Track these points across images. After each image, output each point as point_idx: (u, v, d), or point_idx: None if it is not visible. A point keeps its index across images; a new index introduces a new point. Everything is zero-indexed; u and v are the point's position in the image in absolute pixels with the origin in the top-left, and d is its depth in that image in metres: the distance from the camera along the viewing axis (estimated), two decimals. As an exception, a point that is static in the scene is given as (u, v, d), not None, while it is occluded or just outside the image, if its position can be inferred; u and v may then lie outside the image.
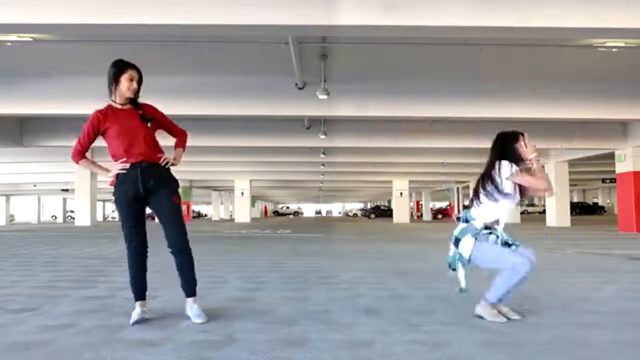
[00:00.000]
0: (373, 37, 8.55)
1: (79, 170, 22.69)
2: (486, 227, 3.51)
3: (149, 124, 3.43)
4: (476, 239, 3.47)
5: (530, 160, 3.48)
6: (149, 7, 6.57)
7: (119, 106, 3.43)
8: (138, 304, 3.49)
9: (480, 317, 3.47)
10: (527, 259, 3.36)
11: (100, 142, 3.52)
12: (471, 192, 3.78)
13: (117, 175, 3.41)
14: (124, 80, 3.38)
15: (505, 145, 3.55)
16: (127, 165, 3.36)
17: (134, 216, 3.43)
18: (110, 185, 3.46)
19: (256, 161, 24.20)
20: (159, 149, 3.48)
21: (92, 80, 11.58)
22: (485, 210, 3.51)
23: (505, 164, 3.45)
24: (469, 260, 3.49)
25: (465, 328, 3.25)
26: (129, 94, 3.40)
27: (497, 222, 3.53)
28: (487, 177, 3.51)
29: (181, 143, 3.70)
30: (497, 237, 3.51)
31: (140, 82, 3.45)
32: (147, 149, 3.41)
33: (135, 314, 3.43)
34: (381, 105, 12.37)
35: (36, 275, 6.08)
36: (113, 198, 3.46)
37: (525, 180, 3.47)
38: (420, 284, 5.16)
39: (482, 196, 3.51)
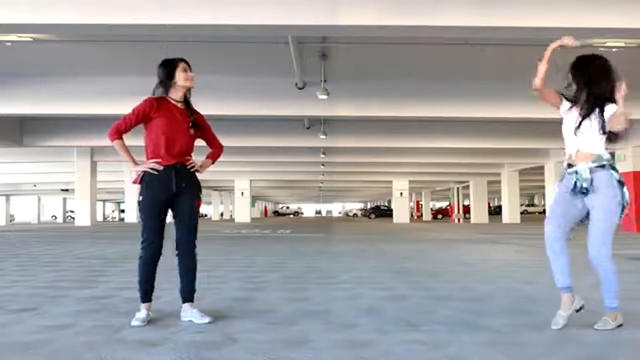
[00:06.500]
0: (373, 37, 8.56)
1: (79, 171, 22.68)
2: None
3: (192, 131, 3.48)
4: None
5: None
6: (149, 7, 6.58)
7: (173, 102, 3.47)
8: (144, 306, 3.45)
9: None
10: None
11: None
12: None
13: (143, 174, 3.38)
14: (179, 73, 3.44)
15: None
16: (160, 167, 3.35)
17: (158, 219, 3.40)
18: (134, 183, 3.44)
19: (256, 161, 24.21)
20: (190, 155, 3.54)
21: (93, 80, 11.64)
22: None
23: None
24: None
25: (465, 328, 3.25)
26: (189, 83, 3.47)
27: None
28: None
29: (214, 155, 3.77)
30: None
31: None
32: (184, 152, 3.45)
33: (141, 318, 3.38)
34: (381, 105, 12.38)
35: (36, 275, 6.07)
36: (139, 198, 3.40)
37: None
38: (420, 284, 5.16)
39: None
